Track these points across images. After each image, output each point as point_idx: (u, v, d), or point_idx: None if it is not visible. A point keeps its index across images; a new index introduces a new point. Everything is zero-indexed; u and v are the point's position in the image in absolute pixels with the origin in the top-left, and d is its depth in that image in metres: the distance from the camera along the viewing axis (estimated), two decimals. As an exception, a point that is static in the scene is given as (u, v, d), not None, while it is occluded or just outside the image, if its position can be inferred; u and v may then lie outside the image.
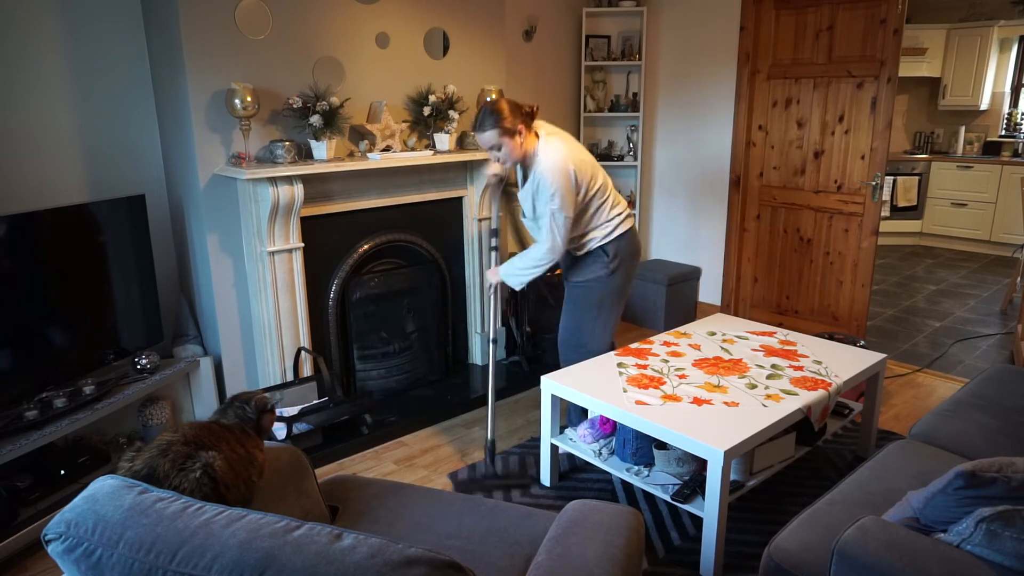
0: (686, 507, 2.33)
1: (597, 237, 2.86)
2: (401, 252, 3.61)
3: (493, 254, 3.28)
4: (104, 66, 2.98)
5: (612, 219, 2.86)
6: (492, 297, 3.19)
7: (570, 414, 3.10)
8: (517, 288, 3.00)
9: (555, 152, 2.72)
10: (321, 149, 3.09)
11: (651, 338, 3.10)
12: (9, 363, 2.46)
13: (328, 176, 3.18)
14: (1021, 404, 2.41)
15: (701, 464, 2.45)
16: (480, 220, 3.80)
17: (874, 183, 3.96)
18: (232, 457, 1.43)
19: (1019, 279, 5.04)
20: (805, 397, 2.50)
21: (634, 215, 3.01)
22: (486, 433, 3.21)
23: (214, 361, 3.16)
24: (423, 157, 3.34)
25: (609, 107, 4.94)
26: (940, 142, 7.29)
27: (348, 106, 3.19)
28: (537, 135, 2.78)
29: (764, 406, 2.43)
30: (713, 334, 3.14)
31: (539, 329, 4.06)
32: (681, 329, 3.21)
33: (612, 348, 3.07)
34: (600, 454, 2.67)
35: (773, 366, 2.77)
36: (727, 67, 4.45)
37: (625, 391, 2.56)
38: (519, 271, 2.91)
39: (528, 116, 2.74)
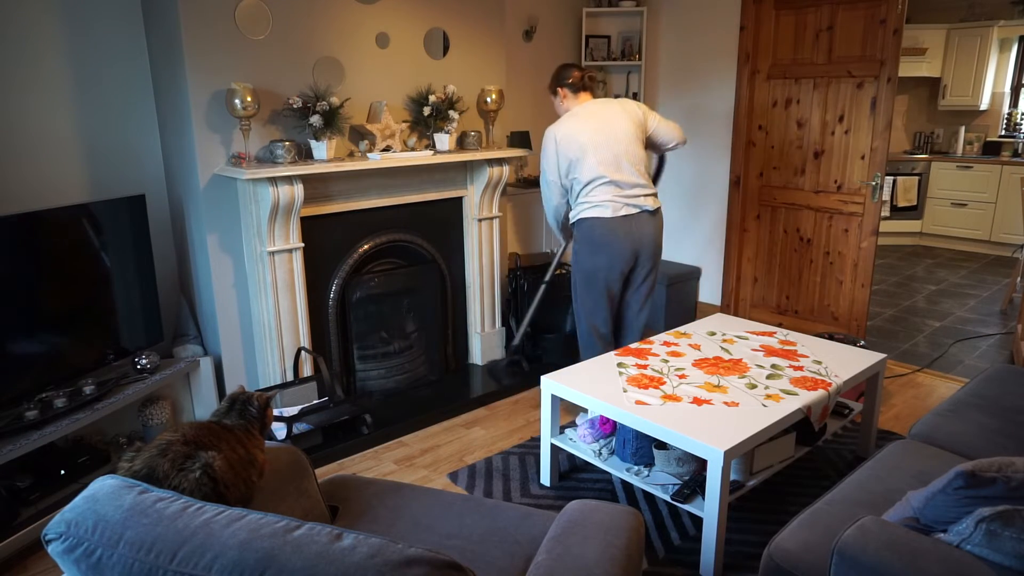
0: (686, 507, 2.33)
1: (573, 214, 3.22)
2: (401, 252, 3.61)
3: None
4: (104, 66, 2.98)
5: (582, 203, 3.14)
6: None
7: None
8: (561, 238, 3.51)
9: (560, 120, 3.16)
10: (321, 149, 3.09)
11: (651, 338, 3.10)
12: (9, 363, 2.46)
13: (328, 176, 3.18)
14: (1021, 404, 2.41)
15: (701, 464, 2.45)
16: (480, 220, 3.80)
17: (874, 183, 3.96)
18: (232, 457, 1.43)
19: (1019, 279, 5.04)
20: (805, 397, 2.50)
21: (610, 206, 3.14)
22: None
23: (214, 361, 3.16)
24: (423, 157, 3.34)
25: (609, 107, 4.93)
26: (940, 142, 7.29)
27: (348, 106, 3.19)
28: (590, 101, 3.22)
29: (764, 406, 2.43)
30: (713, 334, 3.14)
31: (539, 329, 4.06)
32: (681, 329, 3.21)
33: (601, 336, 3.22)
34: (600, 454, 2.67)
35: (773, 366, 2.77)
36: (727, 67, 4.45)
37: (625, 391, 2.56)
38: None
39: (573, 84, 3.19)
